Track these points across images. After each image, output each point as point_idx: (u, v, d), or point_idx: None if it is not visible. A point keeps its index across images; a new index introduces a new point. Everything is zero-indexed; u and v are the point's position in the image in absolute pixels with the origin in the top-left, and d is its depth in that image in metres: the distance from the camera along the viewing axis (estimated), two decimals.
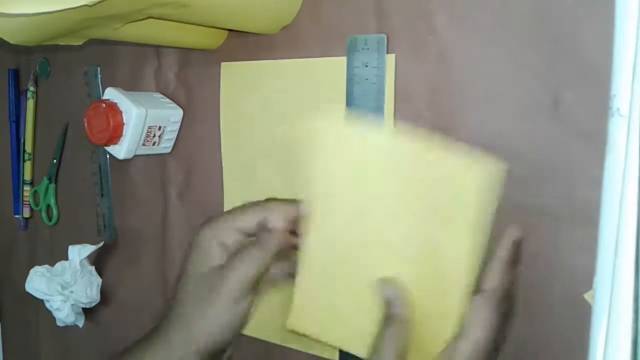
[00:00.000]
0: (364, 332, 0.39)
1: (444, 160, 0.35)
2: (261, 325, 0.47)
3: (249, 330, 0.48)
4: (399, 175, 0.37)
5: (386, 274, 0.38)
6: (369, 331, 0.38)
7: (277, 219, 0.39)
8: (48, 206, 0.70)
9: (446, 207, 0.35)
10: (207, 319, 0.38)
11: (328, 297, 0.41)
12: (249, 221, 0.39)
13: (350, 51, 0.44)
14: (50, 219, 0.71)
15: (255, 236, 0.39)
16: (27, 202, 0.73)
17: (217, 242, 0.39)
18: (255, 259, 0.38)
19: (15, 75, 0.73)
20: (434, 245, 0.36)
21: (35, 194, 0.72)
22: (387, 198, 0.37)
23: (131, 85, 0.58)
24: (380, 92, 0.43)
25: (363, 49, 0.43)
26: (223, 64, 0.52)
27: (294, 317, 0.42)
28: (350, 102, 0.44)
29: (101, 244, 0.63)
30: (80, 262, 0.61)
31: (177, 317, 0.39)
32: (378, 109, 0.43)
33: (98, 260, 0.64)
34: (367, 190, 0.38)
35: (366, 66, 0.43)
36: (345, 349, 0.41)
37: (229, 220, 0.40)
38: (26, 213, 0.73)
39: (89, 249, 0.62)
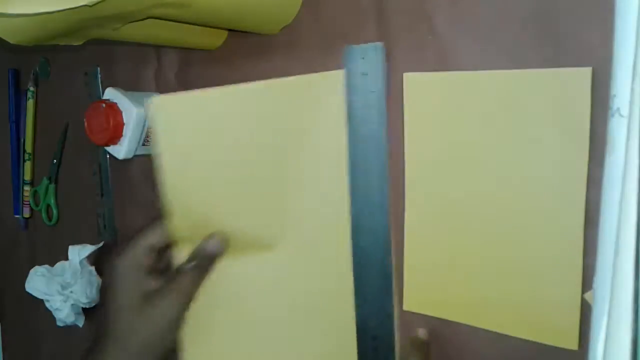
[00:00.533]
0: (486, 301, 0.37)
1: (535, 76, 0.35)
2: None
3: None
4: (494, 108, 0.37)
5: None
6: (492, 298, 0.36)
7: (217, 244, 0.42)
8: (48, 206, 0.70)
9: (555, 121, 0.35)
10: (141, 336, 0.40)
11: (439, 269, 0.39)
12: (159, 238, 0.41)
13: (347, 61, 0.43)
14: (50, 219, 0.71)
15: (164, 253, 0.42)
16: (27, 202, 0.73)
17: (137, 267, 0.41)
18: (197, 280, 0.41)
19: (15, 75, 0.73)
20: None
21: (35, 194, 0.72)
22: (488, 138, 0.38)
23: (131, 85, 0.58)
24: (381, 98, 0.42)
25: (363, 58, 0.42)
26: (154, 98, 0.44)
27: (408, 298, 0.41)
28: (351, 112, 0.43)
29: (101, 244, 0.63)
30: (80, 262, 0.61)
31: (112, 341, 0.40)
32: (380, 114, 0.42)
33: (98, 260, 0.64)
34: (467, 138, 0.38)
35: (365, 75, 0.42)
36: (474, 323, 0.39)
37: (140, 242, 0.42)
38: (26, 213, 0.73)
39: (89, 249, 0.62)
